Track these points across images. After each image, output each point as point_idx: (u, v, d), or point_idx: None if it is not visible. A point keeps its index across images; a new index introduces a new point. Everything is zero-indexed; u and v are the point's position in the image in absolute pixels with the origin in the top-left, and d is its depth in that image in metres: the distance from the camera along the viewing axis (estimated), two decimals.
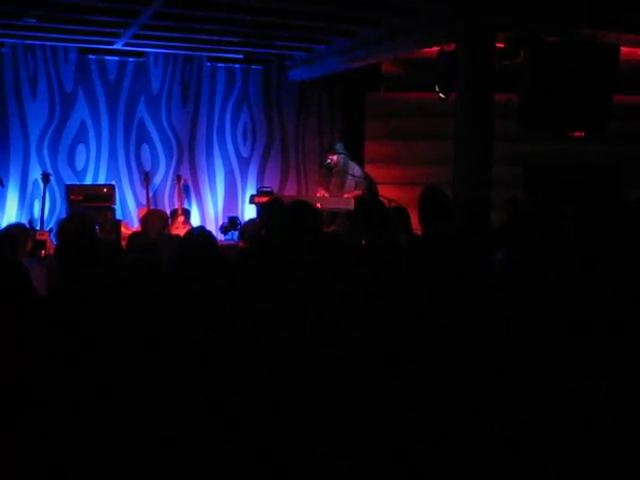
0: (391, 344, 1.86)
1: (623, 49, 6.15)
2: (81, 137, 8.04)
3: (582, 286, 2.36)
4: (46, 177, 7.58)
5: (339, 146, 7.89)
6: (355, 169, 7.89)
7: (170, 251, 3.71)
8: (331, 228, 6.84)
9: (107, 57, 7.99)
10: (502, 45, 5.87)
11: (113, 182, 8.02)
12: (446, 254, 2.38)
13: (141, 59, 8.14)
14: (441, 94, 6.09)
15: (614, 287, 2.36)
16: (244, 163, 8.78)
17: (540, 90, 5.68)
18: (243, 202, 8.71)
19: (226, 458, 2.23)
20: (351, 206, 6.88)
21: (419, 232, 4.43)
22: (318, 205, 7.17)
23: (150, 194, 8.10)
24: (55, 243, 6.10)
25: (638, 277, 2.41)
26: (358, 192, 7.65)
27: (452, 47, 5.86)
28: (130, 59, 8.09)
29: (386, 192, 7.69)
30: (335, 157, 7.76)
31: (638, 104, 7.98)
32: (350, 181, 7.80)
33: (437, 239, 2.57)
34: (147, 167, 8.30)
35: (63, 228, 4.24)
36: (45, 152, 7.90)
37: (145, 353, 2.53)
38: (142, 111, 8.26)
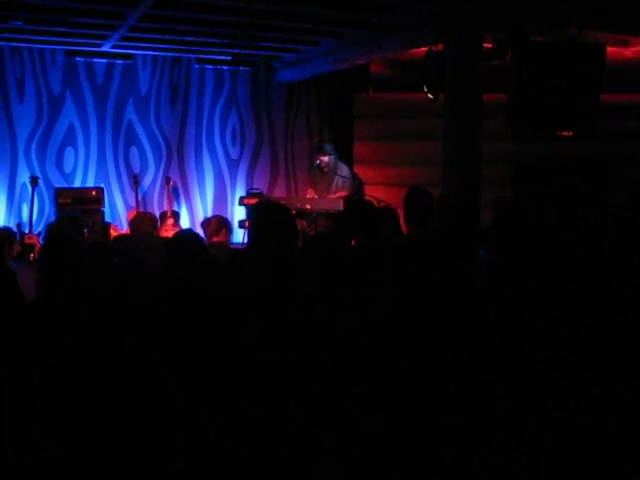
0: (379, 340, 1.87)
1: (609, 48, 6.18)
2: (69, 140, 8.01)
3: (563, 284, 2.37)
4: (34, 180, 7.54)
5: (328, 147, 7.89)
6: (343, 169, 7.90)
7: (159, 253, 3.69)
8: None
9: (95, 59, 7.96)
10: (490, 45, 5.89)
11: (102, 185, 7.99)
12: (430, 254, 2.39)
13: (129, 61, 8.11)
14: (429, 94, 6.10)
15: (595, 284, 2.38)
16: (233, 165, 8.77)
17: (527, 90, 5.70)
18: (232, 204, 8.70)
19: (222, 458, 2.24)
20: (340, 207, 6.87)
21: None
22: (308, 206, 7.17)
23: (139, 196, 8.08)
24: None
25: (620, 274, 2.42)
26: (345, 192, 7.65)
27: (440, 47, 5.88)
28: (118, 61, 8.06)
29: (375, 193, 7.69)
30: (326, 158, 7.76)
31: (625, 103, 8.02)
32: (338, 181, 7.81)
33: (422, 240, 2.58)
34: (136, 169, 8.27)
35: (51, 231, 4.23)
36: (33, 155, 7.86)
37: (133, 355, 2.52)
38: (130, 113, 8.24)
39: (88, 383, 2.40)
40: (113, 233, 7.01)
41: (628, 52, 7.19)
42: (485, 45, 5.83)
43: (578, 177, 8.03)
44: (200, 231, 5.70)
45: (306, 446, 2.23)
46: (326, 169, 7.79)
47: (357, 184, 8.02)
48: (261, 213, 3.33)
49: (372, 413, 2.18)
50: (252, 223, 3.35)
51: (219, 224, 5.49)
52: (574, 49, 5.83)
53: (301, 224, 6.73)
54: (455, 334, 2.24)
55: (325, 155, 7.76)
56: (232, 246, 6.41)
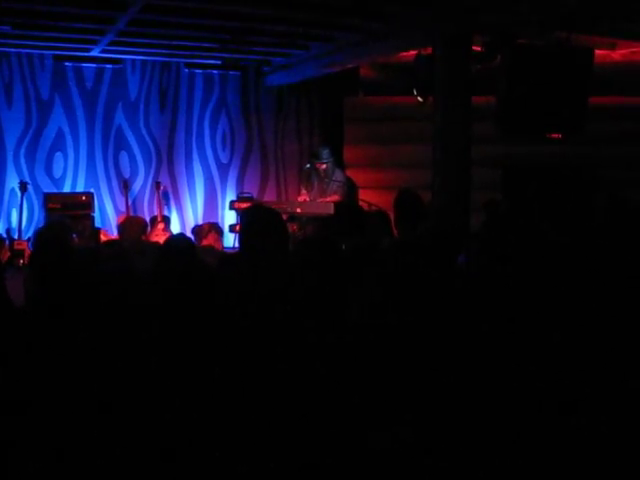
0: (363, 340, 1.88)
1: (597, 52, 6.21)
2: (59, 145, 7.98)
3: (554, 286, 2.38)
4: (23, 185, 7.51)
5: (325, 153, 7.89)
6: (338, 174, 7.92)
7: (148, 258, 3.68)
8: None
9: (84, 64, 7.94)
10: (479, 48, 5.91)
11: (92, 190, 7.97)
12: (420, 257, 2.39)
13: (118, 66, 8.09)
14: (419, 98, 6.12)
15: (586, 286, 2.39)
16: (223, 169, 8.75)
17: (517, 93, 5.72)
18: (223, 208, 8.68)
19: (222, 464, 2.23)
20: (330, 211, 6.88)
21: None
22: (298, 210, 7.17)
23: (129, 201, 8.06)
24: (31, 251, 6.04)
25: (609, 276, 2.43)
26: (337, 197, 7.67)
27: (429, 51, 5.89)
28: (107, 66, 8.05)
29: (366, 196, 7.71)
30: (324, 165, 7.80)
31: (614, 106, 8.06)
32: (332, 186, 7.83)
33: (412, 242, 2.58)
34: (126, 174, 8.25)
35: (39, 237, 4.21)
36: (22, 160, 7.83)
37: (123, 361, 2.51)
38: (120, 118, 8.22)
39: (78, 388, 2.38)
40: (103, 238, 6.98)
41: (616, 55, 7.23)
42: (474, 48, 5.85)
43: (568, 180, 8.06)
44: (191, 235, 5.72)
45: (298, 448, 2.22)
46: (323, 175, 7.83)
47: (349, 188, 8.04)
48: (252, 217, 3.34)
49: (365, 414, 2.18)
50: (243, 227, 3.36)
51: (208, 228, 5.52)
52: (562, 52, 5.86)
53: (291, 228, 6.73)
54: (446, 336, 2.24)
55: (323, 163, 7.79)
56: (223, 250, 6.39)
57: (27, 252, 6.99)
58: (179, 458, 2.23)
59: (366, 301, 1.96)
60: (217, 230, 5.63)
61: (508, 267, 2.47)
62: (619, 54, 7.25)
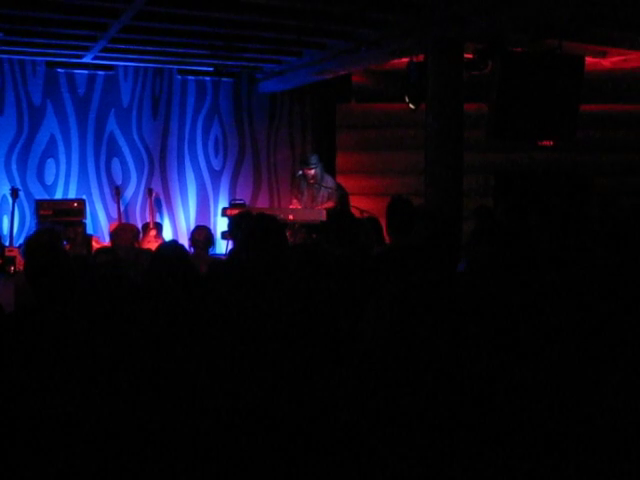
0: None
1: (588, 59, 6.25)
2: (50, 151, 7.96)
3: (545, 293, 2.39)
4: (15, 192, 7.48)
5: (314, 159, 7.90)
6: (328, 180, 7.92)
7: (141, 265, 3.68)
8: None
9: (76, 71, 7.93)
10: (471, 56, 5.94)
11: (83, 196, 7.95)
12: (411, 263, 2.40)
13: (111, 72, 8.09)
14: (411, 105, 6.14)
15: (577, 293, 2.39)
16: (216, 176, 8.75)
17: (508, 100, 5.75)
18: (215, 215, 8.68)
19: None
20: (323, 217, 6.88)
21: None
22: (290, 217, 7.17)
23: (121, 208, 8.04)
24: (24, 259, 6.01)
25: (601, 283, 2.44)
26: (330, 204, 7.67)
27: (421, 58, 5.92)
28: (99, 72, 8.04)
29: (358, 203, 7.72)
30: (312, 171, 7.80)
31: (603, 113, 8.10)
32: (323, 192, 7.83)
33: (403, 249, 2.59)
34: (118, 181, 8.24)
35: (29, 244, 4.20)
36: (14, 167, 7.81)
37: (115, 369, 2.50)
38: (112, 125, 8.21)
39: (70, 394, 2.37)
40: (95, 245, 6.95)
41: (606, 63, 7.27)
42: (466, 55, 5.88)
43: (559, 186, 8.10)
44: (184, 241, 5.72)
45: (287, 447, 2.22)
46: (312, 181, 7.82)
47: (341, 195, 8.04)
48: (253, 223, 3.34)
49: (356, 417, 2.18)
50: (244, 232, 3.35)
51: (207, 238, 5.52)
52: (554, 60, 5.90)
53: None
54: (439, 343, 2.24)
55: (311, 168, 7.78)
56: (215, 257, 6.38)
57: (18, 259, 6.96)
58: (176, 459, 2.23)
59: (362, 308, 1.96)
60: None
61: (506, 274, 2.47)
62: (610, 62, 7.30)
